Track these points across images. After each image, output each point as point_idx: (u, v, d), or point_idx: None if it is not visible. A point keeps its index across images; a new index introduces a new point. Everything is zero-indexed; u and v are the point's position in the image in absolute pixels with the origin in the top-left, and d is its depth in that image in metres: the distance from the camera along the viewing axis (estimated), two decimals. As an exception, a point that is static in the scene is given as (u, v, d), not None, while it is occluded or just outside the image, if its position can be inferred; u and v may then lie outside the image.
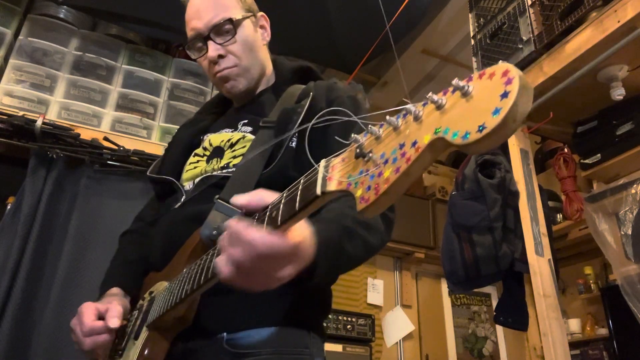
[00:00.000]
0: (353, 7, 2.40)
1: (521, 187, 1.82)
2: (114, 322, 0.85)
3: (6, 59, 2.14)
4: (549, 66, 1.75)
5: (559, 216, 2.70)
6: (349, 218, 0.77)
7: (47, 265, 1.85)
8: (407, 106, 0.43)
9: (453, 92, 0.40)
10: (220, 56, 1.04)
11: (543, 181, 2.61)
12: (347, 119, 0.57)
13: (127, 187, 2.07)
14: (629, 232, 1.82)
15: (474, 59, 2.09)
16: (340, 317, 2.79)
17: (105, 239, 1.92)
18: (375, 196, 0.43)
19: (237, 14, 1.06)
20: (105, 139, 2.06)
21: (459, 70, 3.20)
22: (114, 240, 1.77)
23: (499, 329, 3.46)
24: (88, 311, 0.88)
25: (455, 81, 0.40)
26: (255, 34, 1.10)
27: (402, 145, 0.42)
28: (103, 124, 2.20)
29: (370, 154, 0.46)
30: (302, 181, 0.55)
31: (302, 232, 0.62)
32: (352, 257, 0.78)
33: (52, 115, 2.11)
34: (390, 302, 3.19)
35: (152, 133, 2.27)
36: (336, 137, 0.56)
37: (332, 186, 0.49)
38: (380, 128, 0.46)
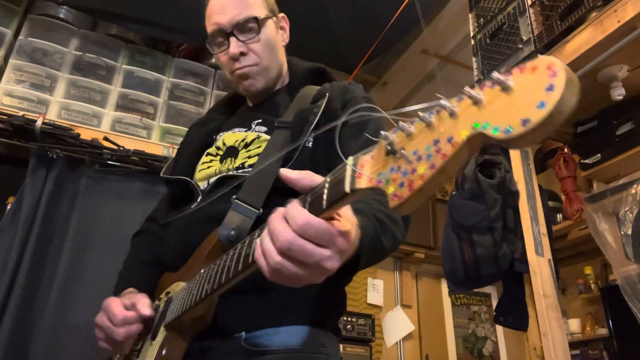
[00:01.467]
0: (353, 7, 2.40)
1: (521, 187, 1.82)
2: (146, 309, 0.85)
3: (6, 59, 2.14)
4: (549, 66, 1.74)
5: (559, 216, 2.70)
6: (379, 210, 0.76)
7: (47, 265, 1.85)
8: (441, 102, 0.41)
9: (492, 86, 0.39)
10: (242, 54, 1.04)
11: (543, 181, 2.61)
12: (376, 114, 0.55)
13: (127, 187, 2.07)
14: (629, 232, 1.82)
15: (474, 59, 2.09)
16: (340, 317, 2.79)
17: (106, 238, 1.92)
18: (410, 192, 0.42)
19: (262, 13, 1.06)
20: (105, 139, 2.06)
21: (459, 70, 3.20)
22: (114, 240, 1.77)
23: (499, 329, 3.46)
24: (115, 304, 0.87)
25: (494, 74, 0.38)
26: (277, 35, 1.11)
27: (436, 142, 0.41)
28: (103, 124, 2.20)
29: (403, 151, 0.44)
30: (328, 179, 0.54)
31: (350, 220, 0.59)
32: (385, 249, 0.77)
33: (52, 115, 2.11)
34: (390, 302, 3.20)
35: (152, 133, 2.27)
36: (366, 134, 0.54)
37: (362, 183, 0.48)
38: (412, 125, 0.44)
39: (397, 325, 3.10)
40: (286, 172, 0.59)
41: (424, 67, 3.26)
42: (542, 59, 0.37)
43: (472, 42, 2.13)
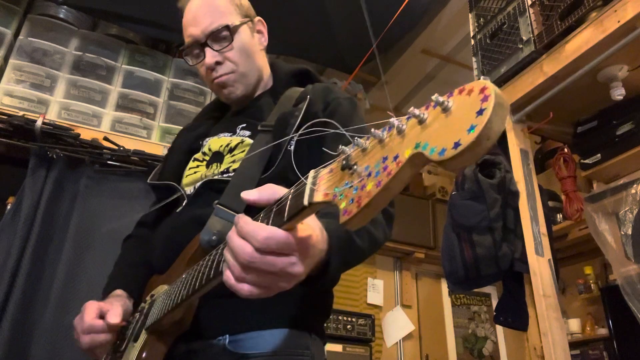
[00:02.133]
0: (353, 7, 2.40)
1: (521, 187, 1.82)
2: (114, 319, 0.86)
3: (6, 59, 2.14)
4: (549, 66, 1.75)
5: (559, 216, 2.70)
6: None
7: (47, 265, 1.85)
8: (391, 120, 0.43)
9: (434, 106, 0.40)
10: (218, 63, 1.04)
11: (543, 181, 2.61)
12: (335, 131, 0.55)
13: (127, 187, 2.07)
14: (629, 232, 1.82)
15: (474, 59, 2.09)
16: (340, 317, 2.79)
17: (105, 238, 1.93)
18: (357, 209, 0.44)
19: (234, 20, 1.06)
20: (105, 139, 2.06)
21: (459, 70, 3.20)
22: (114, 240, 1.77)
23: (499, 329, 3.46)
24: (90, 309, 0.88)
25: (435, 96, 0.40)
26: (252, 40, 1.11)
27: (385, 159, 0.43)
28: (103, 124, 2.20)
29: (356, 167, 0.46)
30: (292, 191, 0.56)
31: (311, 225, 0.60)
32: (361, 250, 0.78)
33: (52, 115, 2.11)
34: (390, 302, 3.20)
35: (152, 133, 2.27)
36: (324, 149, 0.55)
37: (318, 197, 0.50)
38: (367, 140, 0.46)
39: (397, 325, 3.10)
40: (245, 196, 0.60)
41: (424, 67, 3.26)
42: (479, 82, 0.38)
43: (472, 42, 2.13)
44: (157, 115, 2.33)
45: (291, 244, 0.56)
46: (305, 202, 0.51)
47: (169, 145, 2.22)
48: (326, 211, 0.73)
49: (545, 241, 1.74)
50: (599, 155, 1.98)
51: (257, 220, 0.59)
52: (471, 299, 3.52)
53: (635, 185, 1.83)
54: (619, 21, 1.51)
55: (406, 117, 0.43)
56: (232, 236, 0.58)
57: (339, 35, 2.53)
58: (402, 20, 2.30)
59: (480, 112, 0.36)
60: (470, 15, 2.19)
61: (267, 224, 0.57)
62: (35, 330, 1.74)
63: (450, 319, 3.37)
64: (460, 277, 1.88)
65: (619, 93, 1.71)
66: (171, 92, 2.40)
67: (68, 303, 1.80)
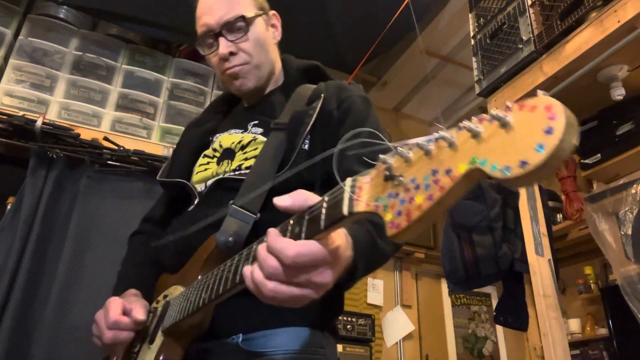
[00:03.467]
0: (353, 7, 2.40)
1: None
2: (141, 315, 0.85)
3: (6, 59, 2.14)
4: (549, 66, 1.75)
5: (559, 216, 2.70)
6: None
7: (47, 265, 1.85)
8: (441, 132, 0.41)
9: (491, 121, 0.38)
10: (232, 53, 1.03)
11: (543, 181, 2.61)
12: (379, 142, 0.53)
13: (127, 187, 2.07)
14: (629, 232, 1.82)
15: (474, 59, 2.09)
16: (340, 317, 2.78)
17: (106, 238, 1.92)
18: (407, 223, 0.42)
19: (250, 12, 1.05)
20: (105, 139, 2.06)
21: (459, 70, 3.20)
22: (114, 240, 1.77)
23: (499, 329, 3.46)
24: (115, 305, 0.87)
25: (493, 111, 0.38)
26: (267, 33, 1.10)
27: (435, 172, 0.41)
28: (103, 124, 2.20)
29: (401, 178, 0.44)
30: (326, 199, 0.54)
31: (338, 233, 0.59)
32: (385, 253, 0.77)
33: (52, 115, 2.10)
34: (390, 302, 3.20)
35: (152, 133, 2.27)
36: (364, 158, 0.54)
37: (360, 207, 0.48)
38: (411, 151, 0.44)
39: (397, 325, 3.10)
40: (278, 202, 0.59)
41: (424, 67, 3.26)
42: (542, 99, 0.36)
43: (472, 42, 2.13)
44: (157, 115, 2.32)
45: (323, 257, 0.55)
46: (345, 211, 0.49)
47: (169, 145, 2.22)
48: None
49: (545, 241, 1.74)
50: (599, 155, 1.98)
51: (288, 228, 0.58)
52: (471, 299, 3.52)
53: (635, 185, 1.83)
54: (619, 21, 1.51)
55: (456, 129, 0.41)
56: (262, 252, 0.57)
57: (339, 35, 2.53)
58: (402, 20, 2.30)
59: (549, 131, 0.34)
60: (470, 15, 2.19)
61: (301, 232, 0.56)
62: (35, 330, 1.74)
63: (450, 319, 3.37)
64: (460, 277, 1.88)
65: (619, 93, 1.71)
66: (171, 92, 2.40)
67: (68, 303, 1.79)
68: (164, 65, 2.45)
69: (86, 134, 2.05)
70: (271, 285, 0.56)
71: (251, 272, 0.58)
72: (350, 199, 0.50)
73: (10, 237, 1.80)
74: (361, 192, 0.49)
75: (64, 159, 1.97)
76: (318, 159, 0.71)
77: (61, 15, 2.34)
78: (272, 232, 0.58)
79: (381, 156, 0.47)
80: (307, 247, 0.54)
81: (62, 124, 2.01)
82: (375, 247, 0.73)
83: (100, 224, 1.97)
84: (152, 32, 2.40)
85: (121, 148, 2.06)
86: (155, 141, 2.24)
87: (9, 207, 1.91)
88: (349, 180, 0.51)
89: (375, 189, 0.47)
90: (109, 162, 2.05)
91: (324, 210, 0.53)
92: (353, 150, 0.55)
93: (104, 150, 2.04)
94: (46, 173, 1.93)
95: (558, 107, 0.35)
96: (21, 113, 1.96)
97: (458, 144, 0.40)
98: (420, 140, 0.43)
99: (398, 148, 0.45)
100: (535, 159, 0.34)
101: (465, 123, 0.40)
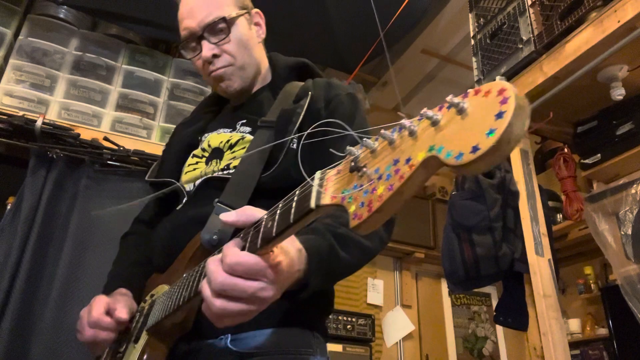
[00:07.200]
0: (353, 7, 2.40)
1: (521, 187, 1.82)
2: (123, 314, 0.86)
3: (6, 59, 2.14)
4: (549, 66, 1.75)
5: (559, 216, 2.70)
6: (343, 225, 0.76)
7: (47, 265, 1.84)
8: (403, 121, 0.42)
9: (449, 108, 0.38)
10: (215, 56, 1.02)
11: (543, 181, 2.61)
12: (342, 132, 0.55)
13: (127, 187, 2.07)
14: (629, 232, 1.82)
15: (474, 59, 2.09)
16: (340, 317, 2.79)
17: (106, 239, 1.92)
18: (368, 213, 0.42)
19: (231, 12, 1.04)
20: (105, 139, 2.06)
21: (459, 70, 3.20)
22: (114, 241, 1.77)
23: (499, 329, 3.46)
24: (99, 304, 0.88)
25: (450, 97, 0.38)
26: (250, 32, 1.09)
27: (396, 162, 0.41)
28: (103, 124, 2.20)
29: (365, 169, 0.44)
30: (297, 192, 0.55)
31: (283, 250, 0.62)
32: (349, 263, 0.78)
33: (52, 115, 2.10)
34: (390, 302, 3.20)
35: (152, 133, 2.27)
36: (331, 150, 0.54)
37: (326, 200, 0.49)
38: (376, 141, 0.45)
39: (397, 325, 3.10)
40: (225, 217, 0.64)
41: (424, 67, 3.26)
42: (496, 83, 0.36)
43: (472, 42, 2.13)
44: (157, 115, 2.32)
45: (261, 267, 0.58)
46: (312, 204, 0.50)
47: (169, 145, 2.20)
48: (313, 227, 0.74)
49: (545, 241, 1.74)
50: (599, 155, 1.98)
51: (262, 223, 0.60)
52: (471, 299, 3.52)
53: (635, 185, 1.83)
54: (619, 21, 1.51)
55: (417, 118, 0.41)
56: (210, 261, 0.61)
57: (339, 35, 2.53)
58: (402, 20, 2.30)
59: (499, 115, 0.34)
60: (470, 15, 2.19)
61: (273, 226, 0.57)
62: (35, 330, 1.74)
63: (450, 319, 3.37)
64: (460, 277, 1.88)
65: (619, 93, 1.71)
66: (171, 92, 2.40)
67: (68, 303, 1.79)
68: (164, 65, 2.45)
69: (86, 134, 2.05)
70: (219, 303, 0.59)
71: (201, 287, 0.62)
72: (318, 193, 0.50)
73: (11, 237, 1.80)
74: (328, 184, 0.49)
75: (64, 159, 1.97)
76: (268, 147, 0.79)
77: (61, 15, 2.34)
78: (229, 243, 0.61)
79: (348, 147, 0.47)
80: (246, 258, 0.58)
81: (62, 124, 2.01)
82: (336, 258, 0.73)
83: (100, 224, 1.97)
84: (152, 32, 2.40)
85: (121, 148, 2.06)
86: (155, 141, 2.24)
87: (9, 207, 1.91)
88: (318, 174, 0.52)
89: (341, 182, 0.48)
90: (109, 162, 2.05)
91: (294, 204, 0.54)
92: (321, 142, 0.57)
93: (104, 150, 2.04)
94: (46, 173, 1.93)
95: (509, 91, 0.35)
96: (21, 113, 1.96)
97: (418, 132, 0.40)
98: (385, 129, 0.43)
99: (364, 139, 0.45)
100: (487, 144, 0.34)
101: (425, 111, 0.40)
